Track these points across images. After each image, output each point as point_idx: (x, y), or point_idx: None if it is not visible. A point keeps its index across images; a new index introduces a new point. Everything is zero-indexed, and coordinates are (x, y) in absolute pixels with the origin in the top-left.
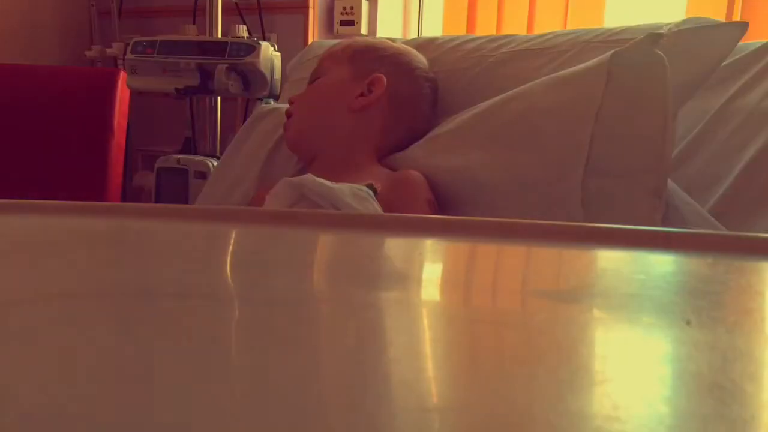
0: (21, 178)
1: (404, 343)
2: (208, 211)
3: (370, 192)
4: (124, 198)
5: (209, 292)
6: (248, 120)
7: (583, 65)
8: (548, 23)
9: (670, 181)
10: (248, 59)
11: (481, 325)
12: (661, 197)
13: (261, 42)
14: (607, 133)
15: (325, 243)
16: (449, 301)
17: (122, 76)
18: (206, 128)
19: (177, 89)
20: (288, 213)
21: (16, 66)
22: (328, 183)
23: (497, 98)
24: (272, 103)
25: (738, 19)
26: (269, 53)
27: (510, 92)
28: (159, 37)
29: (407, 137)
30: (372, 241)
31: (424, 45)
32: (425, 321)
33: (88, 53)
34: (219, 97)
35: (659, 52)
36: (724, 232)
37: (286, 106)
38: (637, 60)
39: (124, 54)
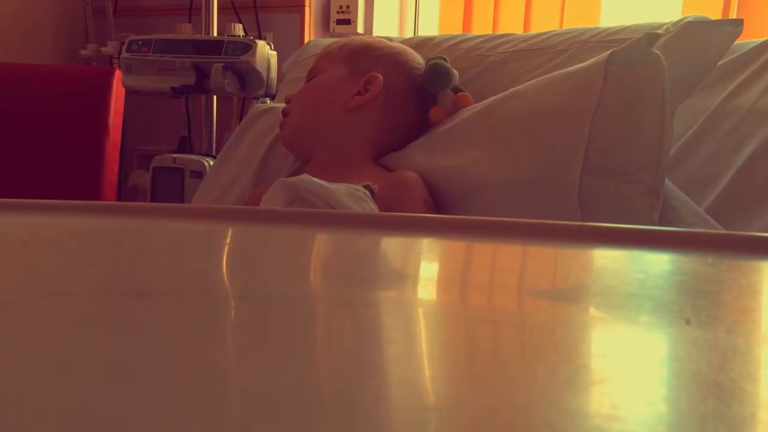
0: (16, 178)
1: (402, 342)
2: (204, 210)
3: (367, 192)
4: (120, 197)
5: (206, 291)
6: (244, 119)
7: (580, 65)
8: (545, 23)
9: (667, 180)
10: (244, 58)
11: (480, 324)
12: (658, 196)
13: (257, 41)
14: (605, 133)
15: (322, 242)
16: (447, 300)
17: (117, 75)
18: (202, 127)
19: (173, 88)
20: (284, 212)
21: (11, 65)
22: (324, 183)
23: (494, 98)
24: (268, 102)
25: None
26: (265, 52)
27: (507, 92)
28: (154, 36)
29: (404, 137)
30: (368, 240)
31: (420, 44)
32: (423, 320)
33: (83, 52)
34: (215, 96)
35: (656, 52)
36: (723, 231)
37: (282, 105)
38: (634, 59)
39: (120, 53)
